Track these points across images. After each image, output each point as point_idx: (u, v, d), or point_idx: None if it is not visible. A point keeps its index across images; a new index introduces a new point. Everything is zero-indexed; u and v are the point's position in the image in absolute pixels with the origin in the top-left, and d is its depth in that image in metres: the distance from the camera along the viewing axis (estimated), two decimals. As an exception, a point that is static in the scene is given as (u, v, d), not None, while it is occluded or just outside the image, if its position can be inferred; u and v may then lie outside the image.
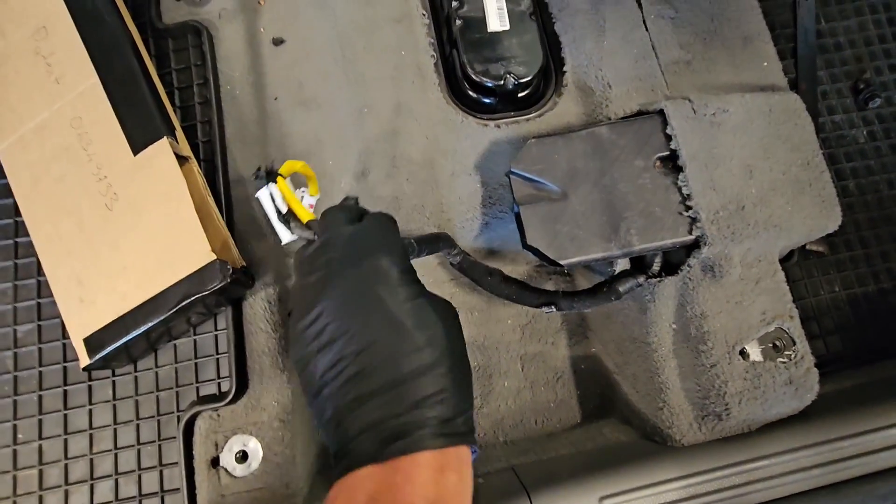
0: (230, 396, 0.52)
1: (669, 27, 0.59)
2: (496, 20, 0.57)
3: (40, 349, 0.54)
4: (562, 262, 0.50)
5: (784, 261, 0.67)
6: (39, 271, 0.55)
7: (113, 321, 0.48)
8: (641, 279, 0.54)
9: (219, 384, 0.53)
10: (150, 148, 0.49)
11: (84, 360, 0.49)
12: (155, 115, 0.50)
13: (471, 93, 0.59)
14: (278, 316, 0.56)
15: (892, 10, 0.79)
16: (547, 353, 0.67)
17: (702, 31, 0.59)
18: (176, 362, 0.54)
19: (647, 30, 0.58)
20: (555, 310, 0.54)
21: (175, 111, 0.58)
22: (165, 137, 0.50)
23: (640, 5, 0.59)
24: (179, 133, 0.53)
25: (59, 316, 0.53)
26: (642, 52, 0.58)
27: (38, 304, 0.55)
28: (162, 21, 0.61)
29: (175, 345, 0.54)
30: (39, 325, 0.55)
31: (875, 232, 0.72)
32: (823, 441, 0.51)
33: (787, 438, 0.52)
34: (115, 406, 0.53)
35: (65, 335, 0.54)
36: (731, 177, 0.51)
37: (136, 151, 0.50)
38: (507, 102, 0.59)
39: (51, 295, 0.52)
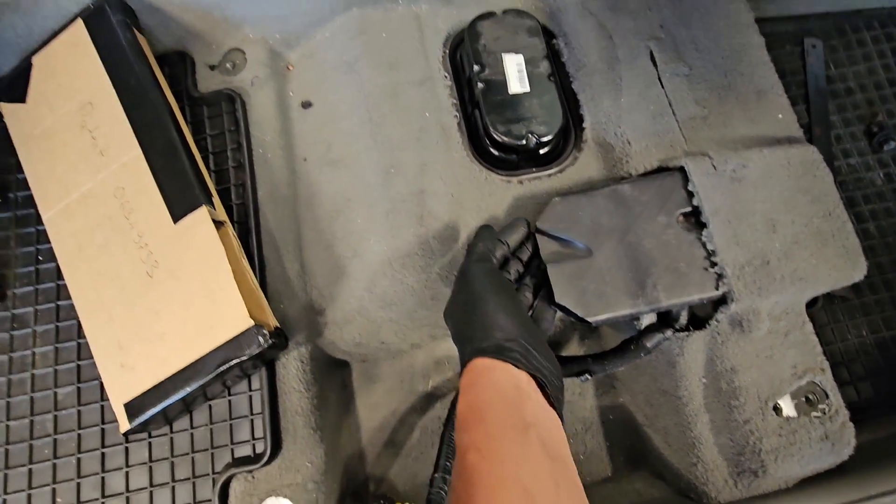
0: (265, 458, 0.52)
1: (685, 84, 0.60)
2: (517, 83, 0.60)
3: (79, 411, 0.55)
4: (590, 320, 0.51)
5: (809, 306, 0.67)
6: (80, 333, 0.57)
7: (153, 387, 0.49)
8: (668, 333, 0.54)
9: (253, 445, 0.54)
10: (189, 216, 0.52)
11: (124, 424, 0.50)
12: (193, 184, 0.52)
13: (493, 151, 0.61)
14: (311, 375, 0.57)
15: (900, 54, 0.80)
16: (574, 403, 0.67)
17: (716, 86, 0.61)
18: (211, 423, 0.55)
19: (662, 87, 0.60)
20: (590, 377, 0.54)
21: (210, 175, 0.60)
22: (204, 206, 0.52)
23: (654, 63, 0.61)
24: (216, 198, 0.56)
25: (97, 377, 0.54)
26: (659, 108, 0.59)
27: (78, 366, 0.57)
28: (198, 89, 0.64)
29: (210, 405, 0.55)
30: (79, 388, 0.56)
31: (899, 273, 0.72)
32: (864, 498, 0.50)
33: (826, 496, 0.51)
34: (151, 468, 0.54)
35: (103, 396, 0.55)
36: (754, 232, 0.52)
37: (176, 220, 0.52)
38: (529, 159, 0.61)
39: (90, 356, 0.53)
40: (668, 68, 0.61)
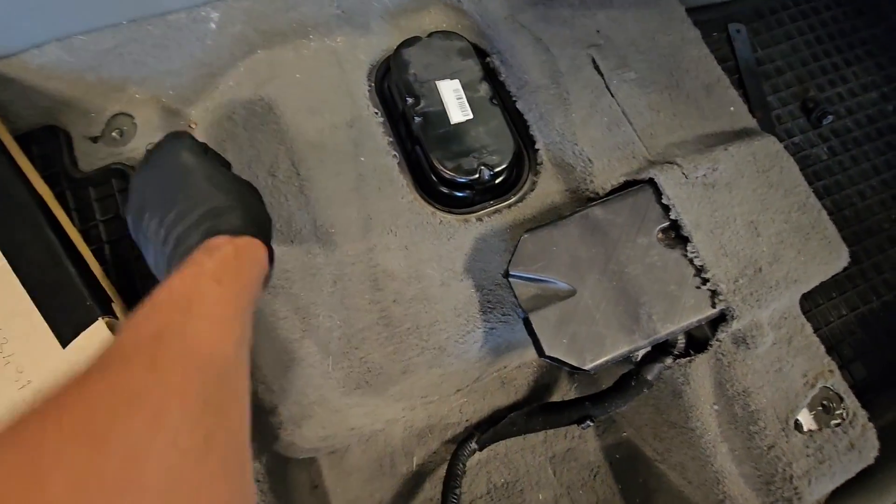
0: None
1: (634, 89, 0.56)
2: (457, 111, 0.53)
3: None
4: (587, 368, 0.44)
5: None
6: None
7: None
8: (668, 361, 0.49)
9: None
10: (82, 335, 0.41)
11: None
12: (82, 293, 0.42)
13: (443, 189, 0.54)
14: (271, 494, 0.47)
15: (817, 29, 0.82)
16: (576, 448, 0.60)
17: (664, 86, 0.58)
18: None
19: (612, 95, 0.56)
20: (592, 423, 0.48)
21: (109, 272, 0.49)
22: (100, 319, 0.41)
23: (599, 72, 0.57)
24: (117, 302, 0.45)
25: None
26: (613, 118, 0.55)
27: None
28: (79, 169, 0.53)
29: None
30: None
31: (862, 246, 0.72)
32: (898, 501, 0.47)
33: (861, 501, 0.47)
34: None
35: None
36: (739, 239, 0.48)
37: (64, 343, 0.41)
38: (484, 192, 0.55)
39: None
40: (613, 75, 0.57)
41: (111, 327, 0.41)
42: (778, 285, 0.47)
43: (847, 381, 0.64)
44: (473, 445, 0.55)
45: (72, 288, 0.42)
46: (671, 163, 0.50)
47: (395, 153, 0.55)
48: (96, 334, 0.41)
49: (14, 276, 0.42)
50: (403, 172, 0.54)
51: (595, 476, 0.59)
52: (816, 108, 0.76)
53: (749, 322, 0.47)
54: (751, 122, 0.59)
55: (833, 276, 0.68)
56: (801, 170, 0.73)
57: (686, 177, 0.49)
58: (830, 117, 0.76)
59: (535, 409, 0.53)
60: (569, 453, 0.60)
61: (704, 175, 0.50)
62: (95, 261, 0.47)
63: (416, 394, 0.53)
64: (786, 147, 0.73)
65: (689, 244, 0.47)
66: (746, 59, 0.78)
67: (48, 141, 0.54)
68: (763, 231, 0.49)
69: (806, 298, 0.67)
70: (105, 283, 0.45)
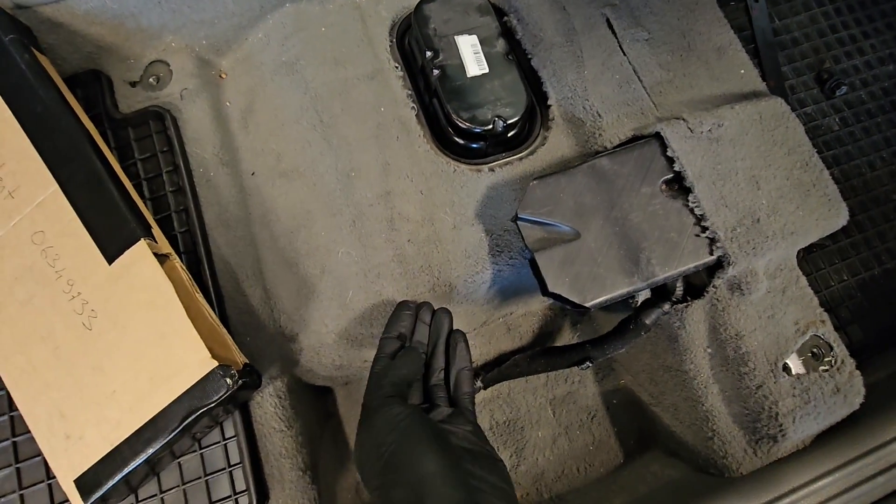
0: (252, 513, 0.46)
1: (646, 49, 0.58)
2: (474, 65, 0.56)
3: (22, 496, 0.48)
4: (587, 305, 0.47)
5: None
6: (11, 405, 0.49)
7: (107, 454, 0.42)
8: (666, 307, 0.52)
9: (236, 500, 0.48)
10: (125, 254, 0.45)
11: (78, 504, 0.42)
12: (127, 216, 0.45)
13: (458, 140, 0.57)
14: (291, 410, 0.51)
15: (837, 0, 0.82)
16: (576, 392, 0.64)
17: (677, 48, 0.59)
18: (183, 483, 0.48)
19: (624, 54, 0.58)
20: (591, 364, 0.51)
21: (146, 205, 0.53)
22: (142, 239, 0.45)
23: (613, 32, 0.59)
24: (156, 229, 0.49)
25: (40, 453, 0.46)
26: (624, 77, 0.57)
27: (14, 443, 0.49)
28: (119, 110, 0.57)
29: (180, 463, 0.49)
30: (18, 469, 0.48)
31: (868, 214, 0.73)
32: (880, 445, 0.49)
33: (845, 448, 0.50)
34: (119, 546, 0.46)
35: (49, 474, 0.48)
36: (739, 191, 0.50)
37: (110, 260, 0.45)
38: (497, 144, 0.57)
39: (28, 431, 0.46)
40: (627, 34, 0.58)
41: (151, 248, 0.45)
42: (775, 236, 0.49)
43: (843, 342, 0.66)
44: (479, 384, 0.59)
45: (116, 212, 0.46)
46: (678, 118, 0.52)
47: (414, 105, 0.58)
48: (138, 253, 0.45)
49: (66, 199, 0.46)
50: (421, 124, 0.57)
51: (592, 418, 0.63)
52: (831, 79, 0.77)
53: (744, 269, 0.49)
54: (760, 86, 0.60)
55: (836, 243, 0.71)
56: (811, 139, 0.74)
57: (691, 131, 0.51)
58: (844, 88, 0.76)
59: (537, 353, 0.57)
60: (568, 396, 0.63)
61: (710, 130, 0.52)
62: (135, 192, 0.51)
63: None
64: (798, 116, 0.75)
65: (690, 194, 0.49)
66: (763, 28, 0.79)
67: (90, 84, 0.58)
68: (764, 185, 0.51)
69: (807, 262, 0.70)
70: (144, 211, 0.49)
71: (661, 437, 0.60)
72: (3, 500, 0.47)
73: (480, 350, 0.64)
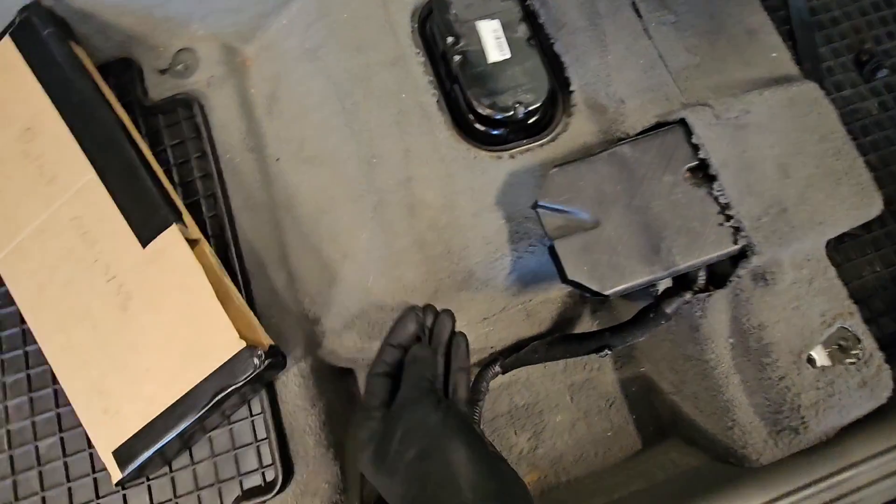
0: (277, 486, 0.48)
1: (672, 32, 0.57)
2: (496, 51, 0.55)
3: (66, 463, 0.51)
4: (606, 293, 0.47)
5: (821, 249, 0.65)
6: (55, 379, 0.52)
7: (142, 428, 0.45)
8: (688, 296, 0.51)
9: (263, 473, 0.50)
10: (158, 238, 0.47)
11: (116, 474, 0.45)
12: (159, 202, 0.47)
13: (479, 126, 0.57)
14: (315, 389, 0.53)
15: (880, -22, 0.78)
16: (595, 379, 0.64)
17: (705, 30, 0.57)
18: (213, 456, 0.51)
19: (650, 38, 0.56)
20: (610, 352, 0.51)
21: (177, 190, 0.55)
22: (174, 224, 0.47)
23: (638, 15, 0.57)
24: (186, 215, 0.51)
25: (81, 424, 0.49)
26: (649, 61, 0.56)
27: (58, 414, 0.52)
28: (149, 98, 0.58)
29: (210, 437, 0.51)
30: (62, 437, 0.51)
31: (905, 204, 0.70)
32: (908, 439, 0.48)
33: (869, 442, 0.49)
34: (155, 513, 0.49)
35: (90, 443, 0.51)
36: (766, 179, 0.49)
37: (144, 244, 0.47)
38: (518, 131, 0.57)
39: (70, 403, 0.48)
40: (653, 17, 0.57)
41: (182, 233, 0.47)
42: (802, 225, 0.48)
43: (874, 334, 0.65)
44: (497, 369, 0.60)
45: (149, 197, 0.47)
46: (704, 104, 0.51)
47: (435, 91, 0.58)
48: (170, 237, 0.47)
49: (102, 186, 0.48)
50: (442, 110, 0.57)
51: (611, 405, 0.63)
52: (871, 60, 0.73)
53: (769, 259, 0.48)
54: (793, 70, 0.58)
55: (870, 233, 0.68)
56: (848, 124, 0.71)
57: (717, 117, 0.50)
58: (885, 71, 0.73)
59: (556, 339, 0.57)
60: (587, 383, 0.63)
61: (737, 116, 0.50)
62: (166, 178, 0.53)
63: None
64: (834, 100, 0.72)
65: (715, 182, 0.49)
66: (799, 7, 0.75)
67: (122, 72, 0.60)
68: (793, 173, 0.50)
69: (838, 253, 0.68)
70: (175, 196, 0.51)
71: (680, 425, 0.60)
72: (48, 465, 0.51)
73: (499, 336, 0.64)
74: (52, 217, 0.49)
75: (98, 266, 0.47)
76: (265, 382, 0.50)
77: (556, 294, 0.65)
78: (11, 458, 0.51)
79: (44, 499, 0.50)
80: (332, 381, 0.58)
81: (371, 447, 0.38)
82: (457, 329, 0.49)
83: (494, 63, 0.55)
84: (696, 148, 0.50)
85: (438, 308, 0.49)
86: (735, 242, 0.48)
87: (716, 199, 0.48)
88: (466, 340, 0.47)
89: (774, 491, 0.47)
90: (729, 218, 0.48)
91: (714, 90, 0.55)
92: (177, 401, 0.45)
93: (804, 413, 0.47)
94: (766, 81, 0.56)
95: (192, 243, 0.49)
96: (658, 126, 0.53)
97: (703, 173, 0.50)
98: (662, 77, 0.55)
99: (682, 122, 0.51)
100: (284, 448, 0.50)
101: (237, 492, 0.50)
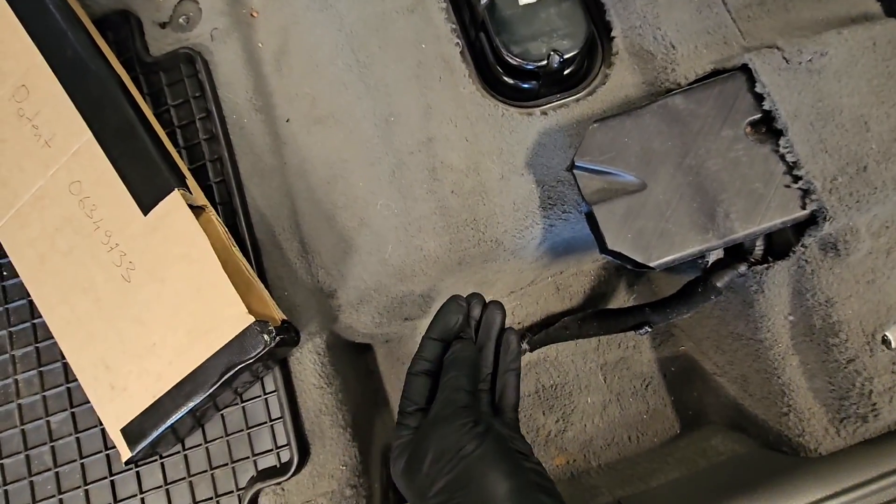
0: (293, 467, 0.46)
1: (733, -36, 0.49)
2: (527, -10, 0.49)
3: (78, 439, 0.49)
4: (652, 265, 0.42)
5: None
6: (62, 353, 0.50)
7: (150, 406, 0.42)
8: (743, 268, 0.46)
9: (278, 454, 0.47)
10: (160, 205, 0.43)
11: (125, 453, 0.43)
12: (161, 166, 0.44)
13: (507, 79, 0.51)
14: (331, 367, 0.49)
15: None
16: (630, 358, 0.59)
17: (771, -38, 0.50)
18: (227, 434, 0.48)
19: (706, -28, 0.49)
20: (650, 329, 0.46)
21: (180, 153, 0.51)
22: (176, 190, 0.43)
23: (693, -56, 0.50)
24: (190, 180, 0.47)
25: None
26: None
27: (68, 389, 0.50)
28: (150, 54, 0.54)
29: (223, 415, 0.49)
30: (73, 413, 0.50)
31: None
32: None
33: (948, 432, 0.43)
34: (168, 491, 0.48)
35: (101, 420, 0.49)
36: (843, 133, 0.42)
37: (145, 211, 0.43)
38: (551, 84, 0.51)
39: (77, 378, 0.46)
40: (709, -53, 0.49)
41: (186, 199, 0.43)
42: (885, 186, 0.42)
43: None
44: (525, 346, 0.55)
45: (150, 161, 0.44)
46: (770, 46, 0.44)
47: (458, 41, 0.52)
48: (173, 204, 0.43)
49: (100, 148, 0.45)
50: (466, 62, 0.52)
51: (647, 386, 0.59)
52: (957, 0, 0.64)
53: (843, 226, 0.42)
54: (873, 6, 0.50)
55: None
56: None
57: (787, 61, 0.43)
58: (974, 11, 0.63)
59: (589, 315, 0.52)
60: (621, 362, 0.59)
61: (810, 60, 0.44)
62: (169, 141, 0.49)
63: (470, 290, 0.53)
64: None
65: (782, 138, 0.42)
66: (874, -60, 0.66)
67: (120, 26, 0.55)
68: (874, 127, 0.43)
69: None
70: (179, 160, 0.47)
71: (724, 409, 0.55)
72: (61, 441, 0.49)
73: (527, 311, 0.60)
74: (51, 182, 0.46)
75: (99, 234, 0.44)
76: (278, 359, 0.47)
77: (590, 266, 0.60)
78: (24, 432, 0.49)
79: (57, 474, 0.49)
80: (349, 357, 0.55)
81: (402, 461, 0.35)
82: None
83: (526, 5, 0.49)
84: (759, 98, 0.43)
85: (485, 299, 0.43)
86: (804, 207, 0.42)
87: (782, 156, 0.42)
88: (518, 337, 0.42)
89: (837, 484, 0.42)
90: (797, 179, 0.42)
91: (781, 31, 0.48)
92: (185, 378, 0.42)
93: (876, 399, 0.42)
94: (843, 20, 0.49)
95: (198, 211, 0.45)
96: (715, 73, 0.47)
97: (767, 127, 0.44)
98: (720, 17, 0.48)
99: (745, 69, 0.44)
100: (300, 428, 0.47)
101: (252, 472, 0.47)
